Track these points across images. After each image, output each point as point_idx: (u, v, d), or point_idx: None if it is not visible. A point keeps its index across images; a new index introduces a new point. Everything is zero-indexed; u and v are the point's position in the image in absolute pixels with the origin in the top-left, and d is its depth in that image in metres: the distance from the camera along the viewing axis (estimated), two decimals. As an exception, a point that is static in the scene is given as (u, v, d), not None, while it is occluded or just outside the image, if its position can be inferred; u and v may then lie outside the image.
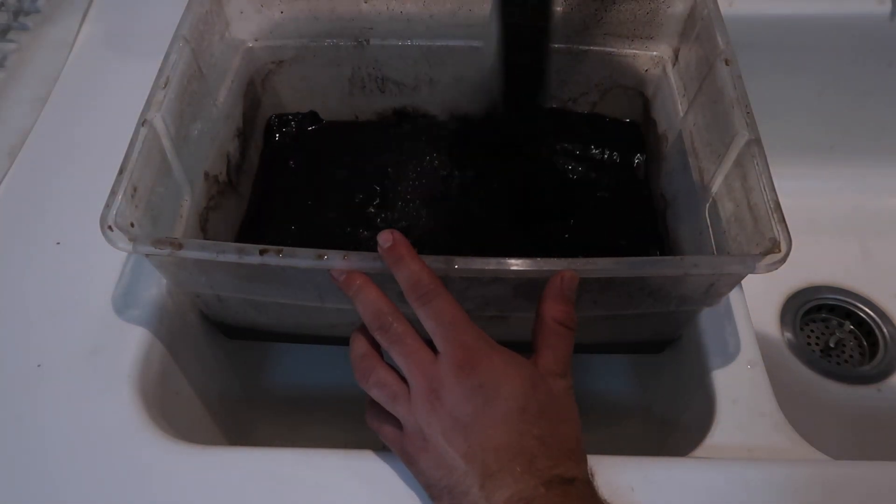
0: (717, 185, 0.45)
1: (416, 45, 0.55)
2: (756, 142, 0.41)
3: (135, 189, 0.39)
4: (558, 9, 0.53)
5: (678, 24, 0.53)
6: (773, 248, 0.37)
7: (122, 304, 0.45)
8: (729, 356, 0.45)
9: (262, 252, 0.36)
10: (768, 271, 0.37)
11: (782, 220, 0.38)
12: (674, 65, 0.54)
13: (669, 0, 0.52)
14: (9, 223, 0.49)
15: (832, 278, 0.64)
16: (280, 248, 0.36)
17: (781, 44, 0.65)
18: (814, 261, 0.63)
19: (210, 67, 0.49)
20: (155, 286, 0.46)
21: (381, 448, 0.39)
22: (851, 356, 0.60)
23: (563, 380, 0.35)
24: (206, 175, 0.49)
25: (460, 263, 0.36)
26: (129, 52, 0.58)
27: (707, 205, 0.46)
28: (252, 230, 0.53)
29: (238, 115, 0.54)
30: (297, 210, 0.55)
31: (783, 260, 0.37)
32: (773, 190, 0.39)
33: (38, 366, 0.43)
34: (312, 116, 0.59)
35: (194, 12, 0.47)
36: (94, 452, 0.40)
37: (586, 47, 0.56)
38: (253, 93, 0.56)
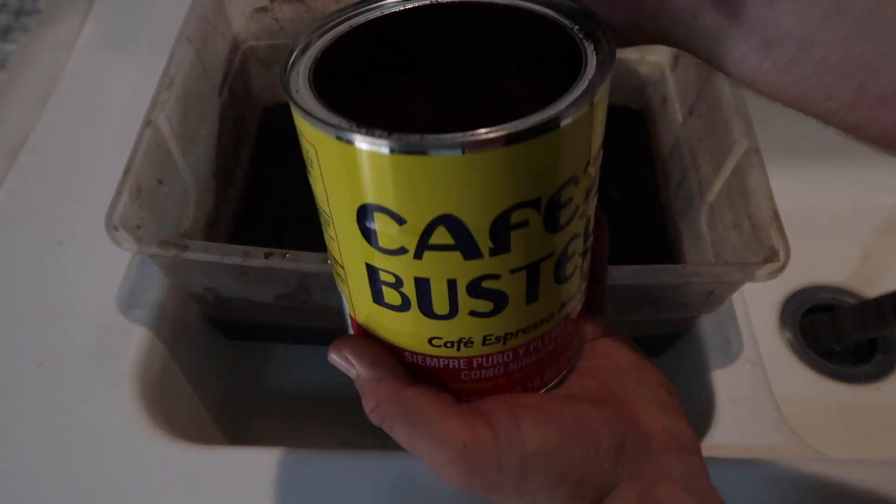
0: (715, 193, 0.45)
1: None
2: (755, 150, 0.41)
3: (139, 189, 0.39)
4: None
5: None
6: (772, 257, 0.37)
7: (123, 304, 0.45)
8: (729, 356, 0.45)
9: (266, 255, 0.36)
10: (767, 280, 0.37)
11: (781, 229, 0.38)
12: (673, 70, 0.54)
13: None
14: (10, 223, 0.49)
15: (832, 278, 0.64)
16: (285, 251, 0.36)
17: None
18: (814, 261, 0.63)
19: (214, 68, 0.49)
20: (156, 286, 0.46)
21: (379, 448, 0.39)
22: (851, 356, 0.60)
23: None
24: (215, 174, 0.49)
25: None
26: (130, 52, 0.58)
27: (705, 212, 0.46)
28: (252, 225, 0.53)
29: (242, 115, 0.54)
30: (297, 204, 0.54)
31: (782, 269, 0.37)
32: (772, 199, 0.39)
33: (39, 365, 0.43)
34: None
35: (197, 13, 0.47)
36: (95, 451, 0.40)
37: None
38: (256, 92, 0.56)
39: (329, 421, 0.57)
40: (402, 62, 0.24)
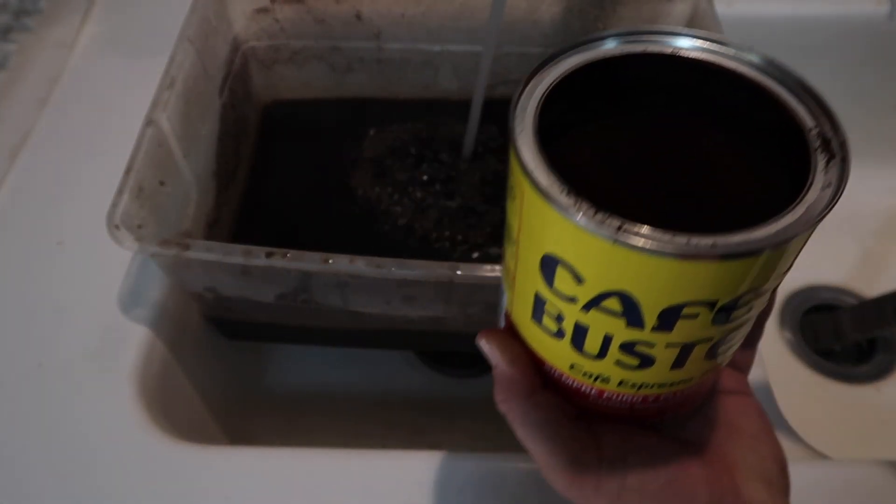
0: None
1: (418, 48, 0.56)
2: None
3: (140, 189, 0.39)
4: (558, 14, 0.53)
5: (678, 31, 0.53)
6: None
7: (124, 303, 0.45)
8: (729, 356, 0.45)
9: (268, 255, 0.36)
10: None
11: None
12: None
13: (669, 7, 0.52)
14: (10, 223, 0.49)
15: (832, 278, 0.64)
16: (286, 250, 0.36)
17: (781, 44, 0.65)
18: (814, 261, 0.63)
19: (215, 68, 0.49)
20: (156, 286, 0.46)
21: (380, 448, 0.39)
22: (851, 356, 0.60)
23: None
24: (215, 174, 0.49)
25: (464, 270, 0.36)
26: (130, 52, 0.58)
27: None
28: (252, 225, 0.53)
29: (242, 115, 0.54)
30: (297, 203, 0.55)
31: None
32: None
33: (39, 365, 0.43)
34: (311, 105, 0.58)
35: (198, 13, 0.47)
36: (95, 451, 0.40)
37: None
38: (256, 93, 0.56)
39: (329, 420, 0.57)
40: (621, 108, 0.23)
